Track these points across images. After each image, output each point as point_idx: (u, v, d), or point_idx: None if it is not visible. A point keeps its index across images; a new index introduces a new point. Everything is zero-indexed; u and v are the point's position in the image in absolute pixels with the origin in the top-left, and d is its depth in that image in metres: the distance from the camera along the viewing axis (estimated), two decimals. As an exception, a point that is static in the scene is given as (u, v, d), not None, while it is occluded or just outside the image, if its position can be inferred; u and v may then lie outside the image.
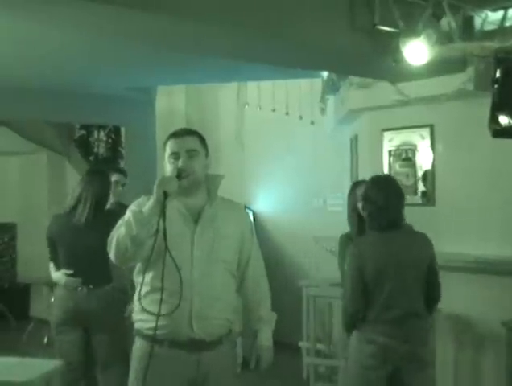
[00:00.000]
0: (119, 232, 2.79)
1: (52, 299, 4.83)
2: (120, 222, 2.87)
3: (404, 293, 3.75)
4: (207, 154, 3.03)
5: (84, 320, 4.58)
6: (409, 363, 3.75)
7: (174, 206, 2.85)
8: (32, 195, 9.81)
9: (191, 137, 2.99)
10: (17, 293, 9.63)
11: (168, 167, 2.94)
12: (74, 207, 4.65)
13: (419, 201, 5.64)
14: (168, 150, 2.95)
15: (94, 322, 4.57)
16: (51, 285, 8.57)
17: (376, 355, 3.77)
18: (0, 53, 5.27)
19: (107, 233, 4.45)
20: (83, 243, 4.60)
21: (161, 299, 2.74)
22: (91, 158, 9.22)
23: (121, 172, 5.37)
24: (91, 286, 4.57)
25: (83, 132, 9.35)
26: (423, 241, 3.89)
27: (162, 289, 2.73)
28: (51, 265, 4.91)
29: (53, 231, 4.85)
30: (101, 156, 9.24)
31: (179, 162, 2.89)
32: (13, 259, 10.03)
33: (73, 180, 9.43)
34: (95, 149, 9.30)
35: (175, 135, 2.99)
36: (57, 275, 4.76)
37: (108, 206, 4.77)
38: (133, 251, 2.75)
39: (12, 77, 6.28)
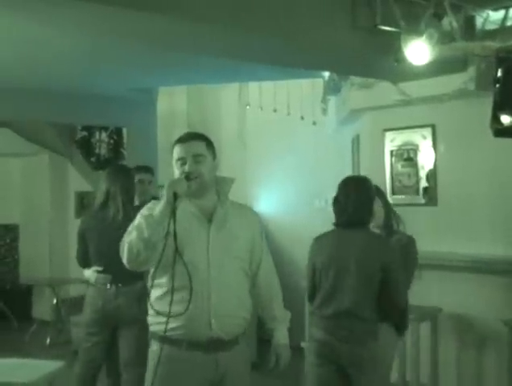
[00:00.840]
0: (131, 236, 2.79)
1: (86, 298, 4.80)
2: (130, 227, 2.88)
3: (345, 292, 3.76)
4: (214, 157, 3.04)
5: (112, 319, 4.61)
6: (350, 363, 3.75)
7: (186, 207, 2.87)
8: (34, 196, 9.82)
9: (196, 141, 3.00)
10: (19, 295, 9.63)
11: (176, 172, 2.95)
12: (104, 203, 4.66)
13: (421, 201, 5.64)
14: (175, 156, 2.97)
15: (121, 320, 4.59)
16: (53, 285, 8.62)
17: (316, 351, 3.88)
18: (1, 54, 5.27)
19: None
20: (112, 239, 4.61)
21: (171, 300, 2.76)
22: (93, 159, 9.24)
23: (147, 170, 5.33)
24: (120, 284, 4.57)
25: (84, 133, 9.38)
26: (380, 247, 3.84)
27: (172, 291, 2.76)
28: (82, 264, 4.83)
29: (84, 227, 4.80)
30: (103, 157, 9.25)
31: (186, 167, 2.90)
32: (15, 260, 10.04)
33: (75, 181, 9.51)
34: (97, 151, 9.31)
35: (181, 140, 2.99)
36: (88, 272, 4.73)
37: (136, 203, 4.78)
38: (145, 254, 2.75)
39: (14, 78, 6.29)
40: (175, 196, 2.74)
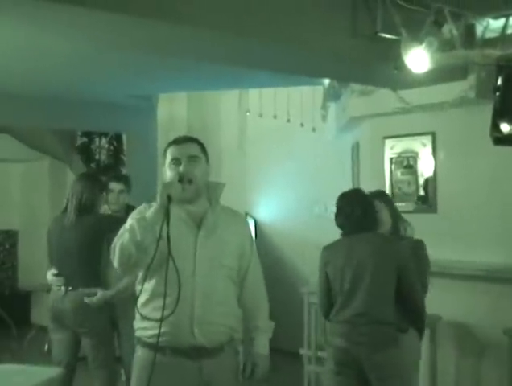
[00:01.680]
0: (122, 238, 2.78)
1: None
2: (122, 230, 2.86)
3: (361, 296, 3.77)
4: (207, 161, 3.04)
5: (62, 321, 4.70)
6: (370, 369, 3.75)
7: (175, 213, 2.84)
8: (34, 202, 9.81)
9: (191, 143, 3.01)
10: (18, 300, 9.62)
11: (169, 173, 2.94)
12: (65, 209, 4.79)
13: (421, 208, 5.64)
14: (169, 157, 2.96)
15: (68, 323, 4.67)
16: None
17: (335, 358, 3.89)
18: (1, 60, 5.27)
19: (88, 235, 4.58)
20: (65, 243, 4.75)
21: (164, 304, 2.73)
22: (92, 165, 9.22)
23: (118, 179, 5.24)
24: (70, 288, 4.64)
25: (84, 139, 9.36)
26: (394, 248, 3.89)
27: (165, 295, 2.73)
28: None
29: (48, 231, 5.03)
30: (103, 163, 9.24)
31: (181, 168, 2.90)
32: (14, 266, 10.04)
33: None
34: (97, 157, 9.30)
35: (176, 142, 3.01)
36: (48, 274, 4.92)
37: (106, 211, 4.86)
38: (137, 257, 2.74)
39: (13, 84, 6.29)
40: (169, 199, 2.73)
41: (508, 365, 4.87)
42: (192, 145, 3.00)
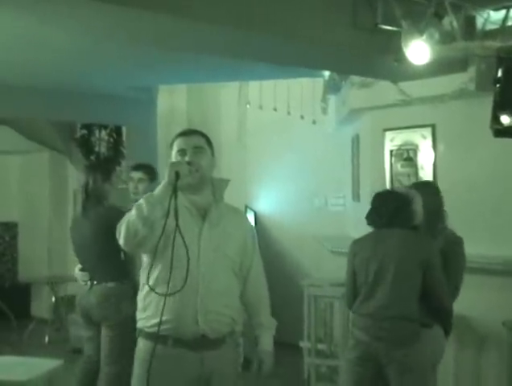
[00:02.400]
0: (129, 215, 2.79)
1: None
2: (127, 214, 2.87)
3: (384, 290, 3.79)
4: (212, 154, 3.07)
5: (89, 315, 4.69)
6: (388, 364, 3.76)
7: (180, 202, 2.82)
8: (33, 194, 9.81)
9: (198, 135, 3.06)
10: (18, 293, 9.63)
11: None
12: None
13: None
14: (175, 148, 3.00)
15: (95, 318, 4.66)
16: (52, 284, 8.63)
17: (355, 349, 3.91)
18: (1, 52, 5.26)
19: (99, 228, 4.54)
20: (81, 238, 4.78)
21: (169, 279, 2.72)
22: (92, 157, 9.21)
23: (137, 168, 5.13)
24: (95, 282, 4.65)
25: (84, 131, 9.34)
26: (418, 243, 3.88)
27: (171, 270, 2.72)
28: None
29: (70, 226, 5.01)
30: (103, 155, 9.23)
31: (186, 157, 2.93)
32: (14, 258, 10.04)
33: (75, 179, 9.48)
34: (96, 149, 9.28)
35: (183, 134, 3.06)
36: (75, 269, 4.85)
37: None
38: (143, 233, 2.74)
39: (13, 76, 6.28)
40: (177, 176, 2.74)
41: (507, 357, 4.88)
42: (197, 137, 3.04)
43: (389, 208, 3.90)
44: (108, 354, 4.62)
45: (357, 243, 4.06)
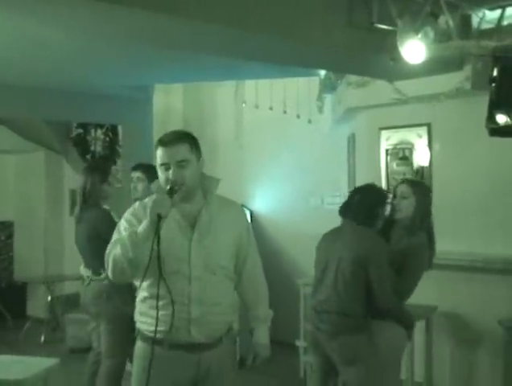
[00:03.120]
0: (115, 251, 2.79)
1: None
2: (113, 237, 2.89)
3: (325, 285, 3.93)
4: (199, 158, 2.95)
5: (87, 310, 4.88)
6: (331, 353, 3.91)
7: (170, 214, 2.80)
8: (29, 193, 9.80)
9: (180, 145, 2.89)
10: (13, 292, 9.62)
11: (160, 174, 2.92)
12: None
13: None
14: (158, 159, 2.92)
15: (91, 313, 4.85)
16: (48, 283, 8.62)
17: (308, 341, 4.31)
18: (-3, 51, 5.27)
19: (90, 230, 4.69)
20: (77, 237, 4.94)
21: (157, 317, 2.77)
22: (88, 156, 9.21)
23: (135, 168, 5.13)
24: (91, 279, 4.75)
25: (80, 130, 9.35)
26: (361, 242, 3.91)
27: (157, 297, 2.77)
28: None
29: None
30: (99, 154, 9.23)
31: (170, 174, 2.85)
32: (10, 257, 10.02)
33: (70, 179, 9.48)
34: (92, 148, 9.29)
35: (164, 144, 2.91)
36: (81, 266, 4.98)
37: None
38: (130, 272, 2.78)
39: (9, 75, 6.27)
40: (159, 217, 2.69)
41: (502, 355, 4.89)
42: (180, 148, 2.88)
43: (354, 199, 4.02)
44: (105, 347, 4.74)
45: (322, 238, 4.20)
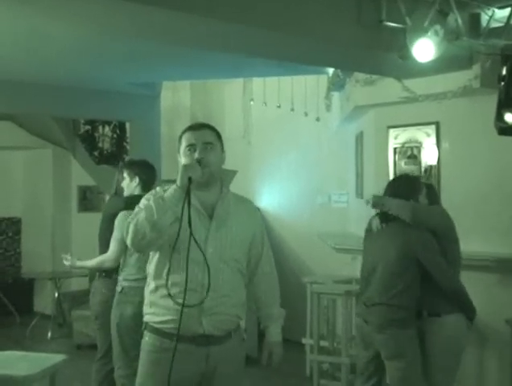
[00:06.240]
0: (138, 217, 2.77)
1: None
2: (136, 209, 2.87)
3: (373, 279, 4.05)
4: (222, 149, 3.03)
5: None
6: (379, 349, 4.01)
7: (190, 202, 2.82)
8: (37, 189, 9.82)
9: (207, 130, 2.99)
10: (21, 288, 9.65)
11: (184, 159, 2.93)
12: None
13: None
14: (184, 143, 2.95)
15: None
16: (55, 279, 8.64)
17: (357, 336, 4.31)
18: (5, 47, 5.26)
19: (102, 219, 4.80)
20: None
21: (185, 289, 2.73)
22: (96, 153, 9.22)
23: (123, 165, 5.05)
24: (103, 274, 4.80)
25: (88, 127, 9.35)
26: (403, 236, 4.01)
27: (186, 280, 2.73)
28: None
29: None
30: (106, 151, 9.23)
31: (196, 154, 2.88)
32: (17, 254, 10.05)
33: (78, 175, 9.51)
34: (100, 145, 9.29)
35: (192, 128, 3.00)
36: None
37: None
38: (150, 237, 2.75)
39: (17, 72, 6.28)
40: (190, 181, 2.72)
41: (510, 354, 4.88)
42: (207, 132, 2.98)
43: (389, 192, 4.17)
44: (99, 346, 4.85)
45: (365, 235, 4.30)
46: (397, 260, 3.93)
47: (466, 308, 4.04)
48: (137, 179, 4.68)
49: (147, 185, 4.58)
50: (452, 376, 4.05)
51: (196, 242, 2.73)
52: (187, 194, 2.70)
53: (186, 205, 2.68)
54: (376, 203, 4.15)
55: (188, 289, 2.75)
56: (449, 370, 4.01)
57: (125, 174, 4.79)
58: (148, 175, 4.71)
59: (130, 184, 4.72)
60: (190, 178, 2.72)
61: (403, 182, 4.22)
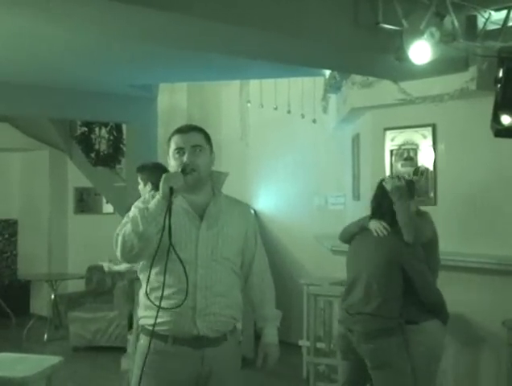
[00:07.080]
0: (125, 229, 2.79)
1: None
2: (125, 219, 2.88)
3: (356, 287, 4.00)
4: (211, 151, 3.03)
5: None
6: (363, 357, 3.93)
7: (178, 203, 2.85)
8: (33, 191, 9.83)
9: (196, 132, 2.99)
10: (17, 290, 9.65)
11: (173, 162, 2.94)
12: None
13: (421, 200, 5.63)
14: (173, 146, 2.95)
15: None
16: (51, 281, 8.64)
17: (338, 344, 4.29)
18: (2, 49, 5.26)
19: None
20: None
21: (161, 295, 2.75)
22: (92, 154, 9.22)
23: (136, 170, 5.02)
24: None
25: (84, 129, 9.36)
26: (389, 245, 4.00)
27: (163, 285, 2.75)
28: None
29: None
30: (103, 153, 9.24)
31: (184, 157, 2.89)
32: (13, 255, 10.05)
33: (74, 177, 9.52)
34: (96, 146, 9.30)
35: (181, 131, 2.99)
36: None
37: None
38: (139, 248, 2.76)
39: (13, 73, 6.28)
40: (171, 191, 2.72)
41: (506, 356, 4.88)
42: (196, 135, 2.98)
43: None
44: None
45: (352, 242, 4.26)
46: (382, 269, 3.91)
47: (441, 313, 4.03)
48: (149, 184, 4.66)
49: None
50: (434, 380, 4.06)
51: (175, 253, 2.74)
52: (169, 204, 2.71)
53: (167, 215, 2.69)
54: (397, 189, 4.11)
55: (180, 290, 2.77)
56: (431, 374, 4.00)
57: (139, 179, 4.79)
58: (160, 178, 4.70)
59: (144, 189, 4.70)
60: (171, 188, 2.72)
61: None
